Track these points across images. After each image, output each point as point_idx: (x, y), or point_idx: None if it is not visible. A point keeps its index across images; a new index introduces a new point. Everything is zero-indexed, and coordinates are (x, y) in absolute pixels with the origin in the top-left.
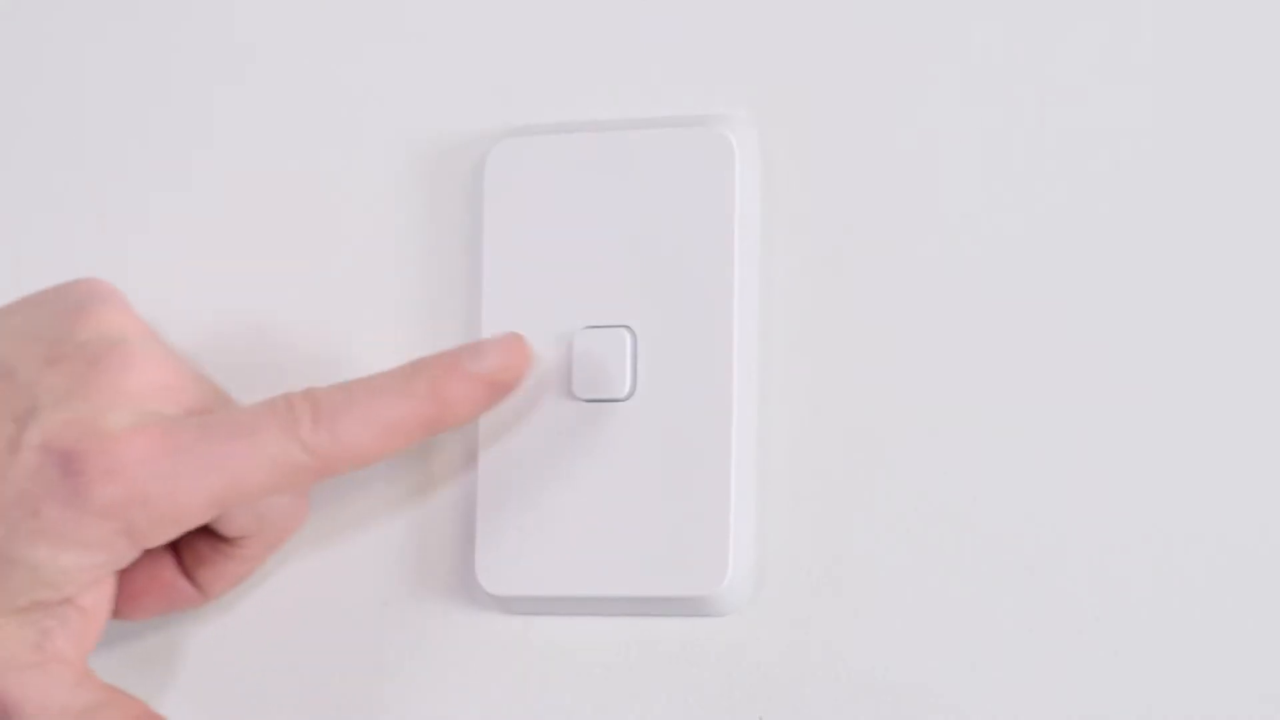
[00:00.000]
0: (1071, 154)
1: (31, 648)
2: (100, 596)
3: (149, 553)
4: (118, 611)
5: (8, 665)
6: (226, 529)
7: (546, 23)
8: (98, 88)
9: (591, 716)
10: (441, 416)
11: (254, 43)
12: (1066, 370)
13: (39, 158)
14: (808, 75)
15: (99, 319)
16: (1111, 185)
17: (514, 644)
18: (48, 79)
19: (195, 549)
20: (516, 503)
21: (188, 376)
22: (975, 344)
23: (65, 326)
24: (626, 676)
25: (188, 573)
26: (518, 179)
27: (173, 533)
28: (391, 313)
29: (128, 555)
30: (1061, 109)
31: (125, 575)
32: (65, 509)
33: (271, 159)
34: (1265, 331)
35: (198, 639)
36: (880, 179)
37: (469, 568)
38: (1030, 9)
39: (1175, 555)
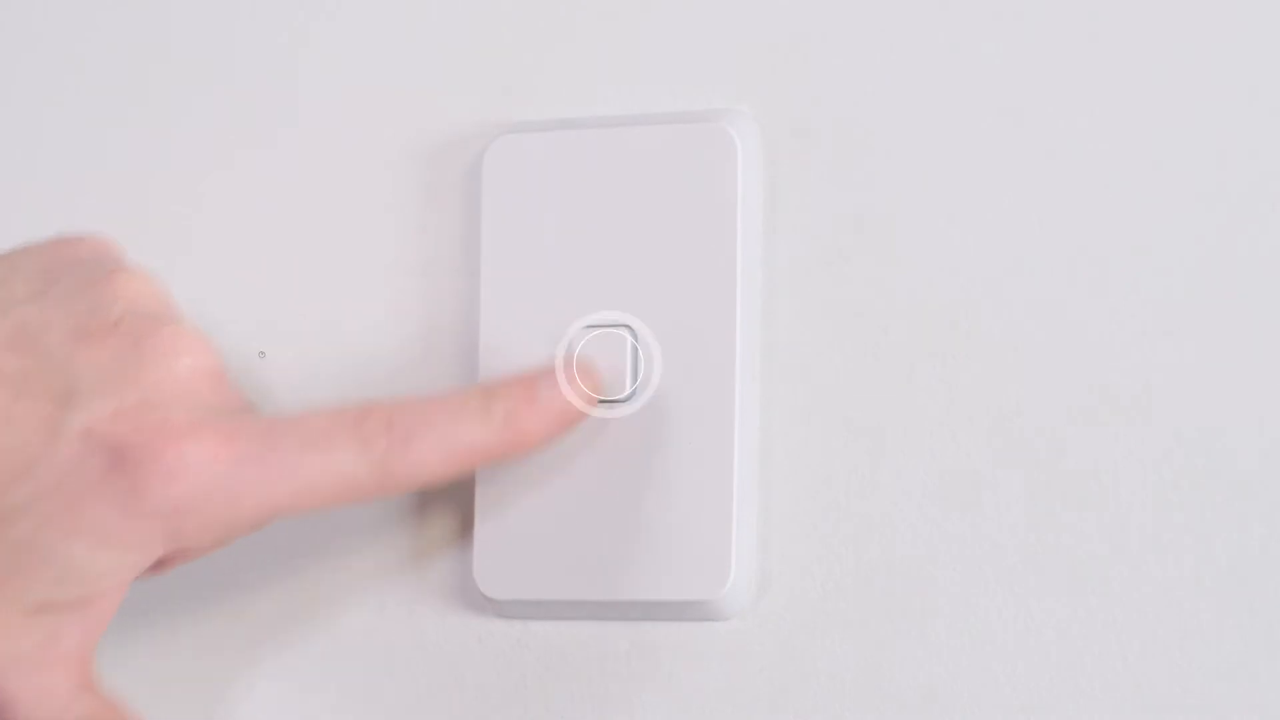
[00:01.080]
0: (1073, 149)
1: (38, 646)
2: (120, 595)
3: None
4: None
5: (12, 662)
6: None
7: (545, 18)
8: (90, 88)
9: None
10: (515, 445)
11: (251, 40)
12: (1070, 370)
13: (36, 157)
14: (810, 70)
15: (129, 289)
16: (1114, 181)
17: (512, 648)
18: (40, 78)
19: None
20: (515, 505)
21: (223, 366)
22: (980, 342)
23: (93, 295)
24: (626, 681)
25: None
26: (517, 175)
27: (219, 540)
28: (389, 311)
29: (158, 555)
30: (1064, 104)
31: None
32: (112, 507)
33: (268, 155)
34: (1266, 335)
35: (194, 641)
36: (883, 175)
37: (467, 571)
38: (1031, 6)
39: (1184, 559)
